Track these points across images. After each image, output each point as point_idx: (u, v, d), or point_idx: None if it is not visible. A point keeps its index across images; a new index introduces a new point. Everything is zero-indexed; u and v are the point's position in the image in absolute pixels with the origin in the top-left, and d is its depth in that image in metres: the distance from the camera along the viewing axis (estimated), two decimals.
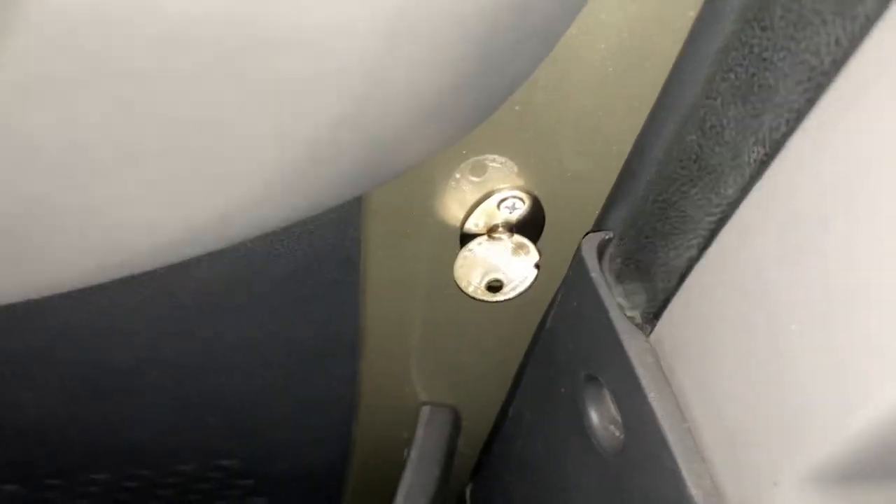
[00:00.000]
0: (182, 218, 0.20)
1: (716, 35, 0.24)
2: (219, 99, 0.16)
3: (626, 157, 0.31)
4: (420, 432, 0.50)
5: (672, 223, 0.27)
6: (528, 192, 0.34)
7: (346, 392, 0.48)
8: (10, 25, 0.14)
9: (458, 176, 0.33)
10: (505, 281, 0.37)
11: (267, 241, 0.34)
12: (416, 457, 0.49)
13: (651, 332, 0.30)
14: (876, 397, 0.20)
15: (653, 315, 0.29)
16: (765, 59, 0.21)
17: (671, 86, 0.28)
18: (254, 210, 0.21)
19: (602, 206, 0.34)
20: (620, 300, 0.31)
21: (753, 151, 0.23)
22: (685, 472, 0.26)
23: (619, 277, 0.31)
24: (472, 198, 0.34)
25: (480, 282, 0.37)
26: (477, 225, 0.35)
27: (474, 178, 0.33)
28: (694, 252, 0.26)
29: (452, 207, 0.34)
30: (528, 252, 0.35)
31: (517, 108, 0.30)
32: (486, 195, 0.34)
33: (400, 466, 0.50)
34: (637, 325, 0.30)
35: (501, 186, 0.33)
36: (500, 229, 0.35)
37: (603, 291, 0.31)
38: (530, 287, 0.37)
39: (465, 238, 0.35)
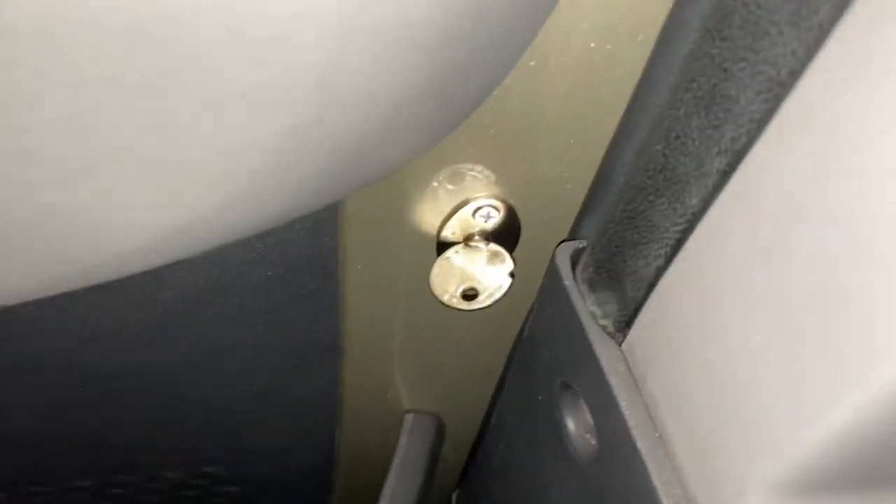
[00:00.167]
0: (143, 227, 0.20)
1: (681, 45, 0.24)
2: (170, 108, 0.16)
3: (598, 166, 0.32)
4: (403, 440, 0.50)
5: (640, 232, 0.27)
6: (503, 201, 0.34)
7: (329, 400, 0.48)
8: None
9: (435, 184, 0.33)
10: (480, 289, 0.37)
11: (242, 248, 0.34)
12: (399, 464, 0.49)
13: (623, 340, 0.30)
14: (837, 406, 0.20)
15: (624, 323, 0.29)
16: (725, 70, 0.22)
17: (640, 95, 0.28)
18: (218, 218, 0.22)
19: (577, 214, 0.34)
20: (593, 308, 0.31)
21: (716, 161, 0.23)
22: (656, 481, 0.26)
23: (592, 286, 0.31)
24: (448, 206, 0.34)
25: (456, 290, 0.37)
26: (454, 233, 0.35)
27: (451, 187, 0.33)
28: (661, 261, 0.26)
29: (429, 216, 0.34)
30: (503, 261, 0.35)
31: (492, 116, 0.30)
32: (462, 203, 0.34)
33: (385, 474, 0.50)
34: (609, 333, 0.30)
35: (477, 195, 0.34)
36: (477, 238, 0.35)
37: (576, 300, 0.31)
38: (506, 295, 0.38)
39: (442, 246, 0.35)
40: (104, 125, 0.16)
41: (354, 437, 0.53)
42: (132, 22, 0.14)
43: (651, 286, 0.27)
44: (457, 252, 0.35)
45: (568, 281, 0.32)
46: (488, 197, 0.34)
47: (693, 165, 0.24)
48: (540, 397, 0.38)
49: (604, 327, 0.30)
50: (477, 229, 0.35)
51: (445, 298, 0.37)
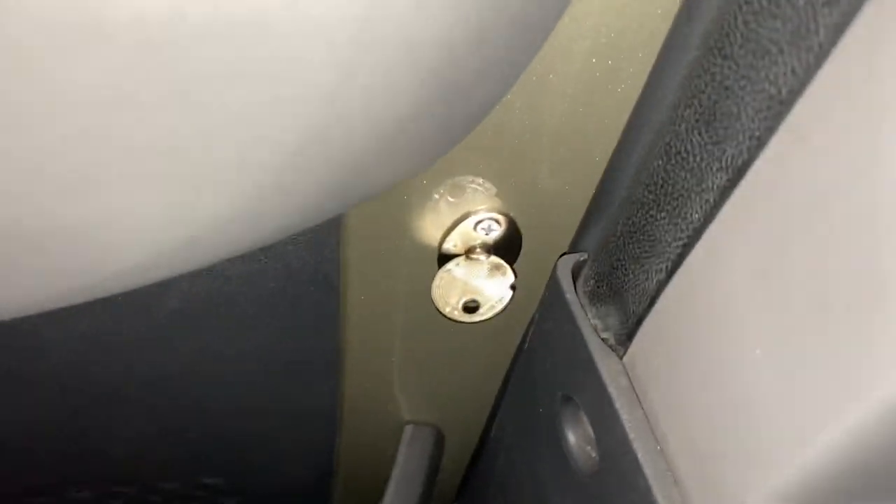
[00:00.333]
0: (148, 241, 0.20)
1: (682, 62, 0.25)
2: (179, 124, 0.17)
3: (599, 179, 0.32)
4: (403, 451, 0.50)
5: (641, 246, 0.27)
6: (504, 214, 0.34)
7: (329, 411, 0.48)
8: None
9: (436, 197, 0.33)
10: (481, 301, 0.37)
11: (244, 260, 0.34)
12: (398, 476, 0.49)
13: (624, 353, 0.30)
14: (838, 420, 0.20)
15: (626, 336, 0.29)
16: (726, 87, 0.22)
17: (641, 111, 0.28)
18: (222, 233, 0.22)
19: (577, 227, 0.34)
20: (594, 321, 0.31)
21: (717, 177, 0.23)
22: (657, 494, 0.27)
23: (593, 299, 0.31)
24: (449, 219, 0.34)
25: (457, 302, 0.37)
26: (455, 246, 0.35)
27: (452, 200, 0.33)
28: (663, 276, 0.26)
29: (430, 228, 0.35)
30: (504, 273, 0.35)
31: (493, 130, 0.30)
32: (463, 216, 0.34)
33: (384, 485, 0.50)
34: (611, 346, 0.30)
35: (478, 208, 0.34)
36: (478, 250, 0.35)
37: (577, 313, 0.31)
38: (506, 308, 0.38)
39: (444, 259, 0.35)
40: (114, 140, 0.16)
41: (354, 448, 0.53)
42: (146, 38, 0.14)
43: (652, 300, 0.27)
44: (458, 264, 0.35)
45: (569, 294, 0.32)
46: (489, 210, 0.34)
47: (694, 181, 0.24)
48: (540, 409, 0.38)
49: (605, 340, 0.30)
50: (478, 242, 0.35)
51: (447, 311, 0.37)
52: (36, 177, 0.17)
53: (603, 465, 0.32)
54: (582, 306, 0.32)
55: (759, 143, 0.21)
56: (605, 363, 0.30)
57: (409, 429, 0.50)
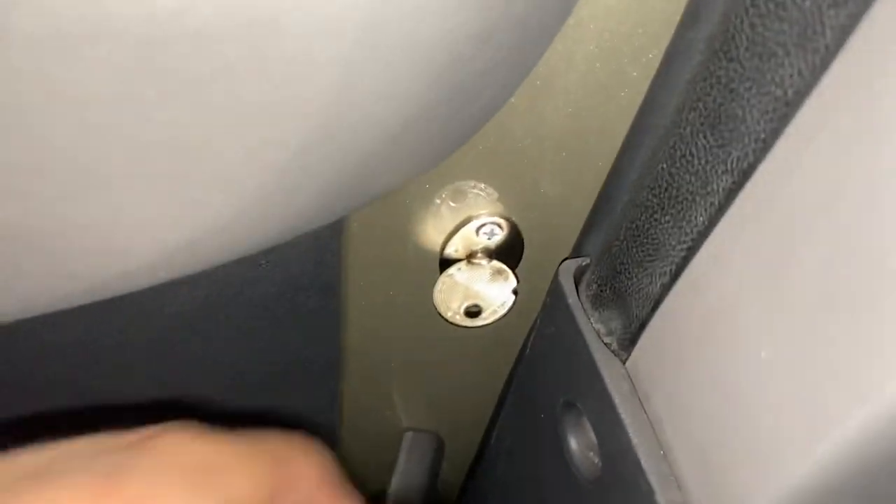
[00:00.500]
0: (150, 242, 0.20)
1: (686, 65, 0.25)
2: (183, 125, 0.17)
3: (602, 183, 0.32)
4: (402, 458, 0.49)
5: (645, 250, 0.27)
6: (506, 219, 0.34)
7: (328, 417, 0.48)
8: None
9: (437, 202, 0.33)
10: (483, 306, 0.37)
11: (244, 264, 0.34)
12: (398, 483, 0.49)
13: (627, 358, 0.30)
14: (846, 423, 0.20)
15: (629, 341, 0.29)
16: (731, 90, 0.22)
17: (645, 114, 0.28)
18: (224, 235, 0.22)
19: (580, 232, 0.34)
20: (597, 326, 0.31)
21: (722, 180, 0.23)
22: (661, 499, 0.26)
23: (596, 303, 0.31)
24: (451, 224, 0.34)
25: (459, 307, 0.37)
26: (457, 250, 0.35)
27: (454, 204, 0.33)
28: (667, 279, 0.26)
29: (432, 233, 0.34)
30: (506, 278, 0.35)
31: (495, 134, 0.30)
32: (465, 221, 0.34)
33: (384, 492, 0.50)
34: (613, 351, 0.30)
35: (480, 212, 0.34)
36: (480, 255, 0.35)
37: (580, 317, 0.31)
38: (508, 313, 0.38)
39: (445, 263, 0.35)
40: (118, 140, 0.16)
41: (353, 454, 0.52)
42: (152, 37, 0.14)
43: (656, 304, 0.27)
44: (460, 269, 0.35)
45: (571, 298, 0.32)
46: (491, 214, 0.34)
47: (699, 184, 0.24)
48: (542, 415, 0.37)
49: (608, 345, 0.30)
50: (480, 246, 0.35)
51: (449, 315, 0.37)
52: (39, 176, 0.17)
53: (605, 470, 0.32)
54: (584, 311, 0.32)
55: (765, 146, 0.21)
56: (608, 368, 0.30)
57: (408, 435, 0.50)
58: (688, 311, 0.25)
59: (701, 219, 0.24)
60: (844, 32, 0.18)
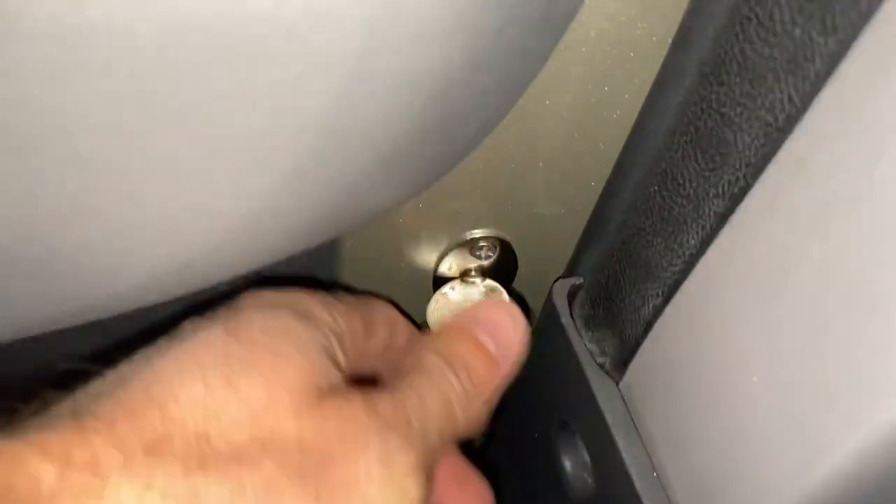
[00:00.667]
0: (142, 266, 0.20)
1: (677, 89, 0.25)
2: (177, 151, 0.17)
3: (594, 204, 0.32)
4: None
5: (638, 272, 0.27)
6: (500, 238, 0.34)
7: None
8: None
9: (432, 221, 0.33)
10: None
11: (240, 283, 0.34)
12: None
13: (621, 379, 0.30)
14: (837, 448, 0.20)
15: (622, 362, 0.29)
16: (722, 115, 0.22)
17: (636, 137, 0.28)
18: (217, 256, 0.22)
19: (573, 251, 0.34)
20: (590, 346, 0.31)
21: (714, 204, 0.23)
22: None
23: (589, 324, 0.31)
24: (445, 243, 0.34)
25: None
26: (450, 269, 0.35)
27: (448, 224, 0.33)
28: (659, 301, 0.26)
29: (426, 252, 0.34)
30: (499, 296, 0.35)
31: (489, 155, 0.30)
32: (459, 240, 0.34)
33: None
34: (607, 371, 0.30)
35: (474, 231, 0.34)
36: (473, 273, 0.35)
37: (573, 337, 0.31)
38: None
39: (439, 281, 0.35)
40: (111, 165, 0.16)
41: None
42: (144, 65, 0.14)
43: (649, 325, 0.27)
44: (453, 288, 0.35)
45: (565, 318, 0.32)
46: (485, 233, 0.34)
47: (690, 207, 0.24)
48: (536, 435, 0.37)
49: (601, 365, 0.30)
50: (474, 265, 0.35)
51: None
52: (32, 202, 0.17)
53: (599, 491, 0.32)
54: (578, 331, 0.31)
55: (756, 171, 0.21)
56: (602, 389, 0.30)
57: None
58: (680, 334, 0.25)
59: (693, 241, 0.24)
60: (834, 59, 0.18)
